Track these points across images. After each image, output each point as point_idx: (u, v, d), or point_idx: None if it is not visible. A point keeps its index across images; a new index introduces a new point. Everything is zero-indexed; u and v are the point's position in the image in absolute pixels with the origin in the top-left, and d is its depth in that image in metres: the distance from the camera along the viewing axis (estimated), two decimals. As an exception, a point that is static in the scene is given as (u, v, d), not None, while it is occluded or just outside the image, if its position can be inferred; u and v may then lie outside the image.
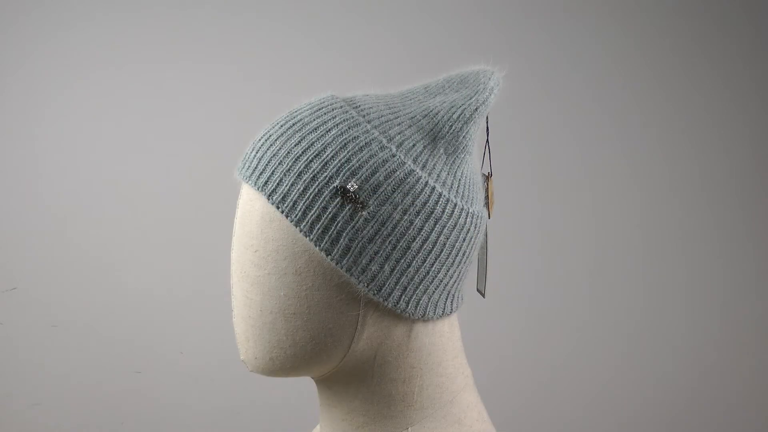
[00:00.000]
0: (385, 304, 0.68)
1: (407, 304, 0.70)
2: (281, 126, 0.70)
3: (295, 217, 0.66)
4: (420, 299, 0.70)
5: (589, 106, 2.04)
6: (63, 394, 1.96)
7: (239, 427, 1.98)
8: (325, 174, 0.66)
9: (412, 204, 0.67)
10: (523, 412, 2.00)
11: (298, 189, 0.66)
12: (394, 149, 0.68)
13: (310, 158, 0.67)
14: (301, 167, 0.67)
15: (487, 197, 0.76)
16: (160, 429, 1.98)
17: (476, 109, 0.72)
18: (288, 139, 0.68)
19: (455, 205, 0.70)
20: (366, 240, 0.66)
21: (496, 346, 1.95)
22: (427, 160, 0.70)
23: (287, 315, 0.69)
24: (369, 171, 0.66)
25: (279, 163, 0.68)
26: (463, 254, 0.72)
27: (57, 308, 1.95)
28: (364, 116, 0.69)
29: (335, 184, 0.66)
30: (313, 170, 0.67)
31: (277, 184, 0.67)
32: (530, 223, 2.00)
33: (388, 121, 0.70)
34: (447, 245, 0.70)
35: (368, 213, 0.66)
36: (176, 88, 1.97)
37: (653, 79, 2.05)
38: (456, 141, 0.71)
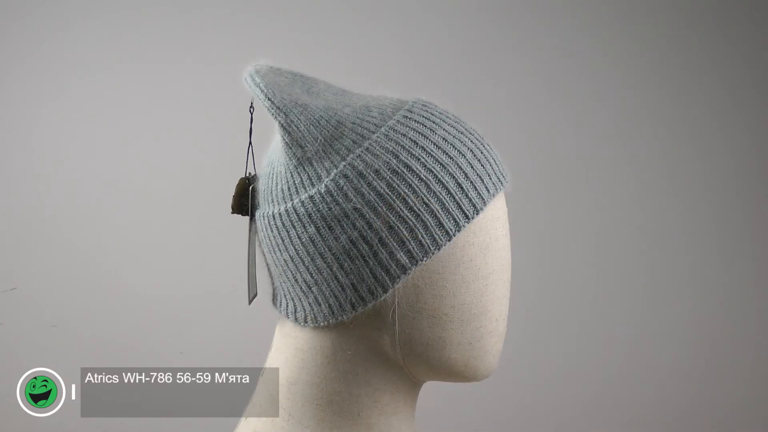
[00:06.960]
0: None
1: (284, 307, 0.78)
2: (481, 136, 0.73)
3: None
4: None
5: (590, 104, 2.04)
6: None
7: (239, 427, 1.97)
8: None
9: None
10: (523, 413, 2.00)
11: None
12: None
13: None
14: None
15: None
16: (160, 429, 1.97)
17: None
18: None
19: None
20: None
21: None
22: None
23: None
24: None
25: None
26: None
27: (57, 308, 1.95)
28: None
29: None
30: None
31: None
32: (530, 223, 2.00)
33: None
34: None
35: None
36: (176, 88, 1.98)
37: (655, 77, 2.05)
38: None
